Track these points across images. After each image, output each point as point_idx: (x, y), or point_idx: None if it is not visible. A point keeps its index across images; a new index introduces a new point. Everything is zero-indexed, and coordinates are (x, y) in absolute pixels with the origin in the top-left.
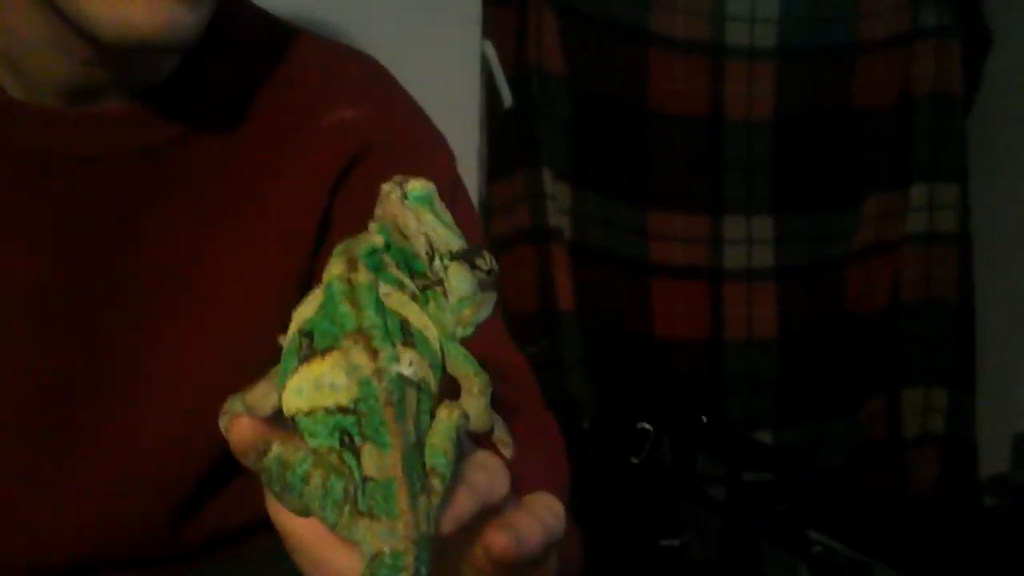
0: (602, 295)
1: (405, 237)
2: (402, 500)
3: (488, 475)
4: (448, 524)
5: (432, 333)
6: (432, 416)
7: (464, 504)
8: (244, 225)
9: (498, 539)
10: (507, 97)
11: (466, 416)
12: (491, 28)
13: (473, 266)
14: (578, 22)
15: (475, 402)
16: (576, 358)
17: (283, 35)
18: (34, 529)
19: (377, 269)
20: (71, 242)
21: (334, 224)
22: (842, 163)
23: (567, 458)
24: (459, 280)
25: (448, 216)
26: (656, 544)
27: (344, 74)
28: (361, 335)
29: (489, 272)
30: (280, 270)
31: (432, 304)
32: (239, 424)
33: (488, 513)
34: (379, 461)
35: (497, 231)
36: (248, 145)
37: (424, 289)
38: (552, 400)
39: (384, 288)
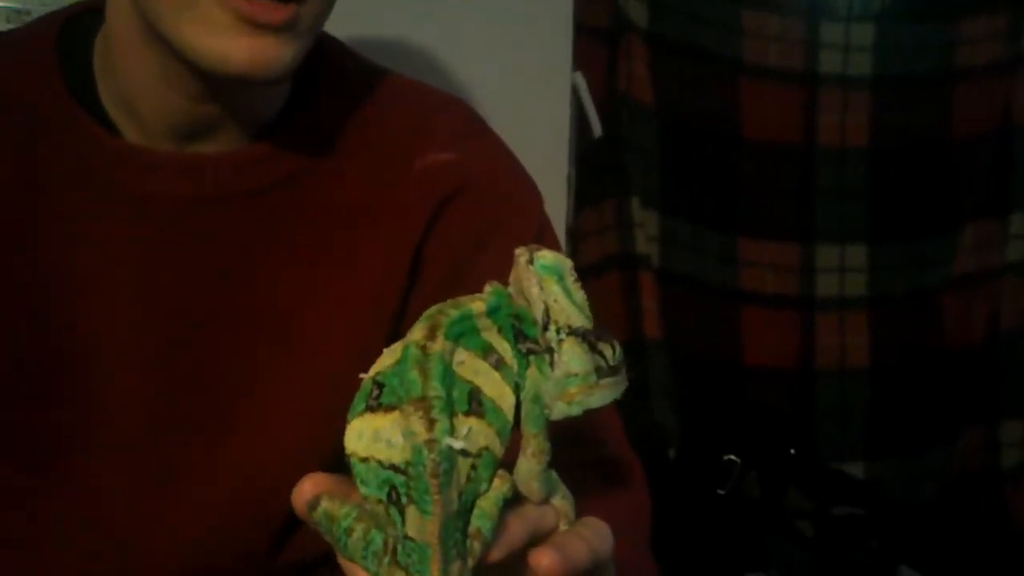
0: (690, 323)
1: (527, 302)
2: (434, 566)
3: (539, 510)
4: (498, 551)
5: (507, 402)
6: (490, 483)
7: (515, 531)
8: (340, 266)
9: (545, 557)
10: (596, 127)
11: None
12: (581, 58)
13: (594, 349)
14: (668, 51)
15: (525, 463)
16: (663, 387)
17: (381, 79)
18: (136, 554)
19: (462, 335)
20: (177, 280)
21: (424, 266)
22: (939, 191)
23: (649, 497)
24: (571, 356)
25: (580, 296)
26: None
27: (439, 119)
28: (422, 403)
29: (612, 361)
30: (373, 311)
31: (534, 369)
32: (301, 482)
33: (537, 541)
34: (420, 525)
35: (585, 258)
36: (346, 187)
37: (528, 354)
38: (638, 429)
39: (461, 355)
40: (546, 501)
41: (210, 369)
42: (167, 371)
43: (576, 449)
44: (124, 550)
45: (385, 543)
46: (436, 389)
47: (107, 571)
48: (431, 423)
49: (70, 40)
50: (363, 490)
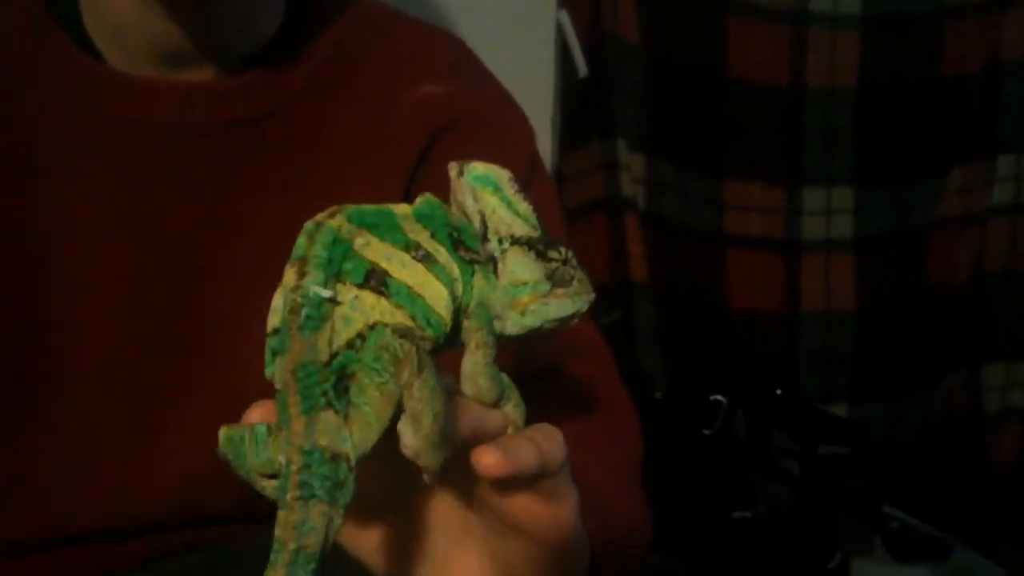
0: (676, 266)
1: (468, 218)
2: (292, 408)
3: (484, 409)
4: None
5: (436, 296)
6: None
7: (461, 421)
8: (330, 199)
9: (488, 456)
10: (582, 66)
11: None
12: None
13: (542, 256)
14: None
15: (469, 357)
16: (649, 329)
17: (372, 12)
18: (123, 484)
19: (375, 226)
20: (163, 208)
21: (414, 195)
22: (927, 133)
23: (640, 432)
24: (516, 264)
25: (524, 207)
26: (729, 516)
27: (430, 52)
28: (300, 262)
29: (565, 266)
30: None
31: (479, 277)
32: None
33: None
34: (280, 369)
35: (570, 201)
36: (337, 119)
37: (472, 263)
38: (624, 371)
39: (367, 239)
40: (496, 405)
41: (195, 300)
42: (150, 300)
43: (558, 380)
44: (110, 490)
45: (269, 427)
46: (316, 250)
47: (92, 513)
48: (301, 275)
49: None
50: (266, 372)
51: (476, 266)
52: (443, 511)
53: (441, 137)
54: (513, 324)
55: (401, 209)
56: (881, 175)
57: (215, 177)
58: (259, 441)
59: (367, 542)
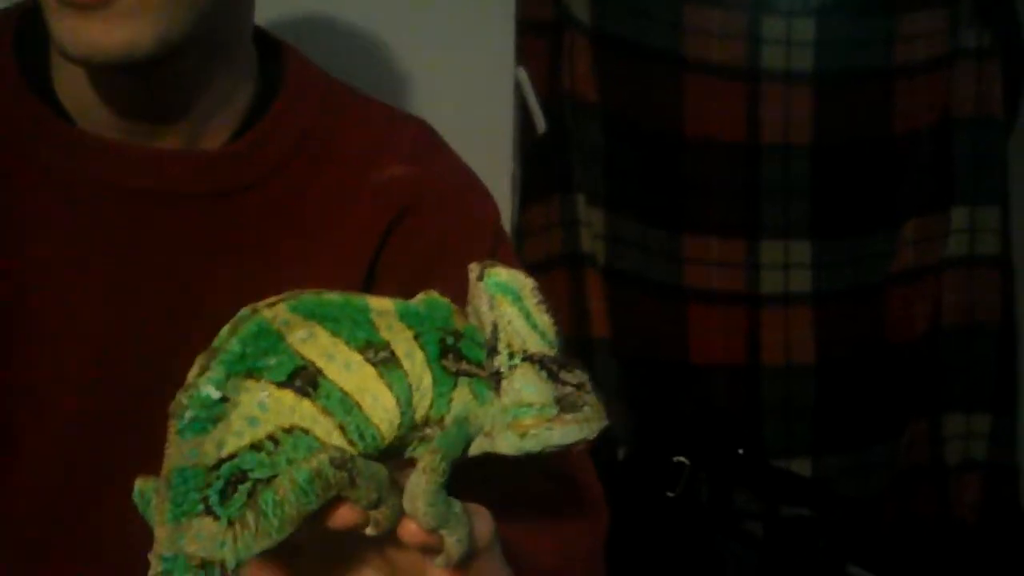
0: (637, 321)
1: (480, 323)
2: (158, 513)
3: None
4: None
5: (380, 411)
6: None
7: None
8: (297, 275)
9: (340, 510)
10: (540, 123)
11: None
12: (525, 54)
13: (555, 378)
14: (612, 48)
15: (413, 477)
16: (611, 386)
17: (340, 93)
18: (73, 553)
19: (332, 319)
20: (134, 274)
21: (378, 280)
22: (881, 187)
23: (605, 524)
24: (525, 383)
25: (544, 320)
26: None
27: (397, 135)
28: (210, 354)
29: (578, 387)
30: None
31: (464, 391)
32: None
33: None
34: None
35: (530, 256)
36: (302, 198)
37: (459, 374)
38: None
39: (310, 333)
40: (433, 531)
41: (156, 366)
42: (118, 366)
43: (533, 473)
44: (62, 557)
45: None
46: (231, 344)
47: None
48: (202, 371)
49: (30, 28)
50: None
51: (463, 379)
52: None
53: (404, 218)
54: (509, 445)
55: (380, 304)
56: (837, 228)
57: (185, 246)
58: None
59: None
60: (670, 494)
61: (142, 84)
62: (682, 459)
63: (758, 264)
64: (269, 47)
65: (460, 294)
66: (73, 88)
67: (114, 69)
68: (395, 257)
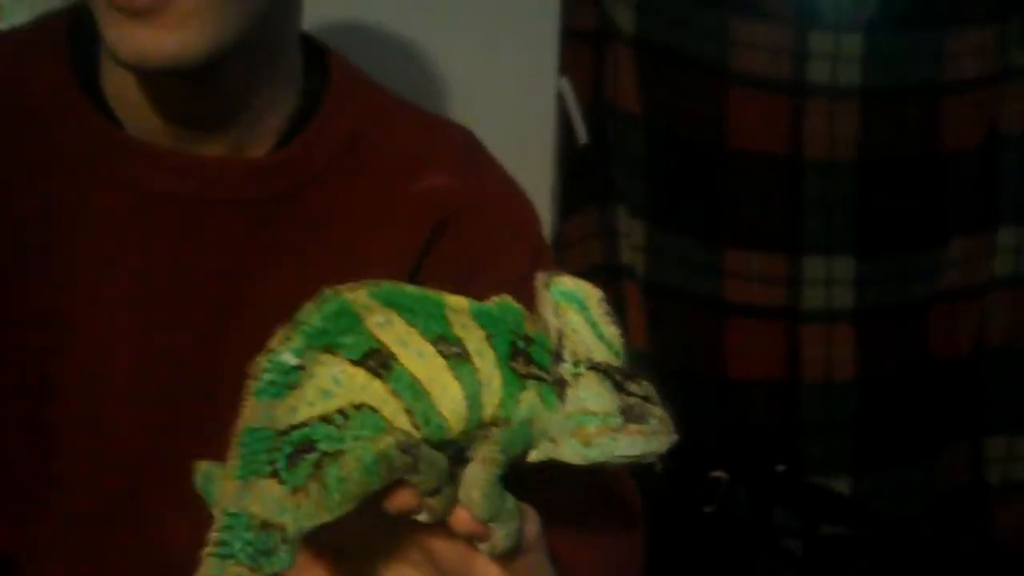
0: (675, 334)
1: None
2: (228, 468)
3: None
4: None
5: (446, 395)
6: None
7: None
8: (339, 281)
9: (399, 493)
10: (582, 134)
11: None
12: (568, 64)
13: (619, 387)
14: (655, 58)
15: (471, 467)
16: None
17: (385, 101)
18: (133, 547)
19: (410, 310)
20: (177, 279)
21: (421, 282)
22: (927, 204)
23: (642, 543)
24: (589, 392)
25: (611, 331)
26: None
27: (439, 143)
28: (291, 326)
29: (644, 399)
30: None
31: (531, 394)
32: None
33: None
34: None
35: (568, 268)
36: (345, 206)
37: (528, 377)
38: None
39: (388, 318)
40: (484, 521)
41: (200, 371)
42: (160, 372)
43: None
44: (120, 551)
45: None
46: (311, 317)
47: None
48: (283, 339)
49: (82, 29)
50: None
51: (531, 382)
52: None
53: (446, 227)
54: (573, 453)
55: (456, 302)
56: (882, 245)
57: (229, 253)
58: None
59: None
60: (707, 509)
61: (190, 90)
62: (720, 474)
63: (800, 279)
64: (314, 53)
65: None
66: (122, 91)
67: (164, 75)
68: (437, 265)
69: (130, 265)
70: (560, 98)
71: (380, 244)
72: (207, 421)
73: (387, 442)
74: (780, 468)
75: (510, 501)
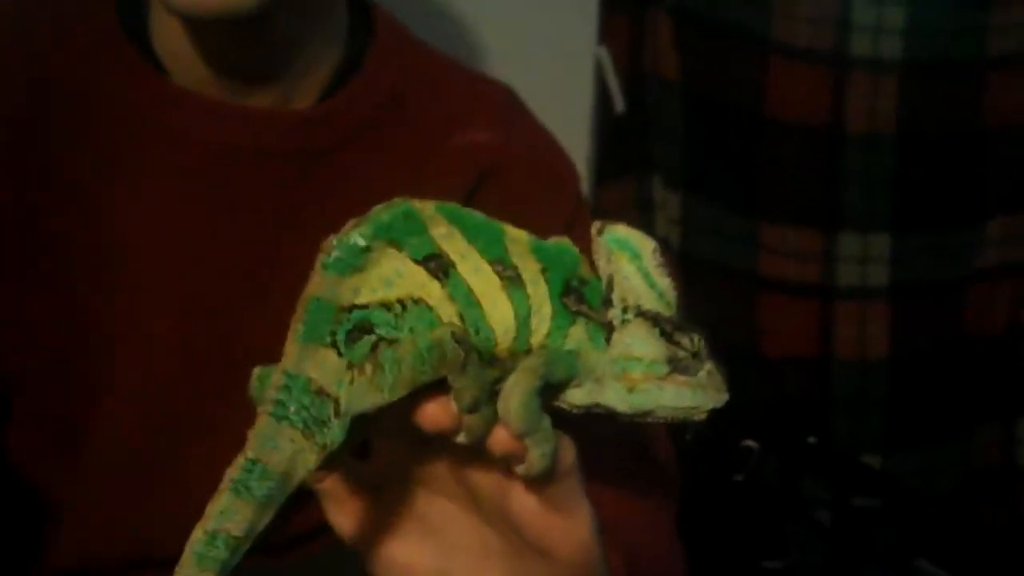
0: (708, 308)
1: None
2: (291, 333)
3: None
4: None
5: (499, 317)
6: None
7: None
8: None
9: (438, 403)
10: (619, 102)
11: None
12: (606, 33)
13: (668, 337)
14: (695, 27)
15: (512, 377)
16: None
17: (427, 57)
18: (149, 513)
19: (471, 229)
20: (219, 231)
21: None
22: (968, 182)
23: (678, 478)
24: (635, 338)
25: (665, 282)
26: (759, 565)
27: (480, 100)
28: (362, 219)
29: (693, 355)
30: None
31: (580, 329)
32: None
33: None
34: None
35: None
36: (388, 162)
37: (578, 315)
38: None
39: (449, 231)
40: (520, 437)
41: (238, 318)
42: (201, 323)
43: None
44: (136, 519)
45: None
46: (383, 214)
47: (120, 541)
48: (357, 225)
49: None
50: None
51: (581, 319)
52: (463, 532)
53: (486, 181)
54: (618, 398)
55: (516, 233)
56: (920, 223)
57: (271, 204)
58: None
59: (391, 567)
60: (737, 477)
61: (239, 40)
62: (750, 443)
63: (835, 256)
64: (361, 8)
65: None
66: (170, 41)
67: (217, 24)
68: None
69: (180, 214)
70: (598, 67)
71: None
72: (237, 378)
73: (443, 331)
74: (811, 440)
75: (547, 421)
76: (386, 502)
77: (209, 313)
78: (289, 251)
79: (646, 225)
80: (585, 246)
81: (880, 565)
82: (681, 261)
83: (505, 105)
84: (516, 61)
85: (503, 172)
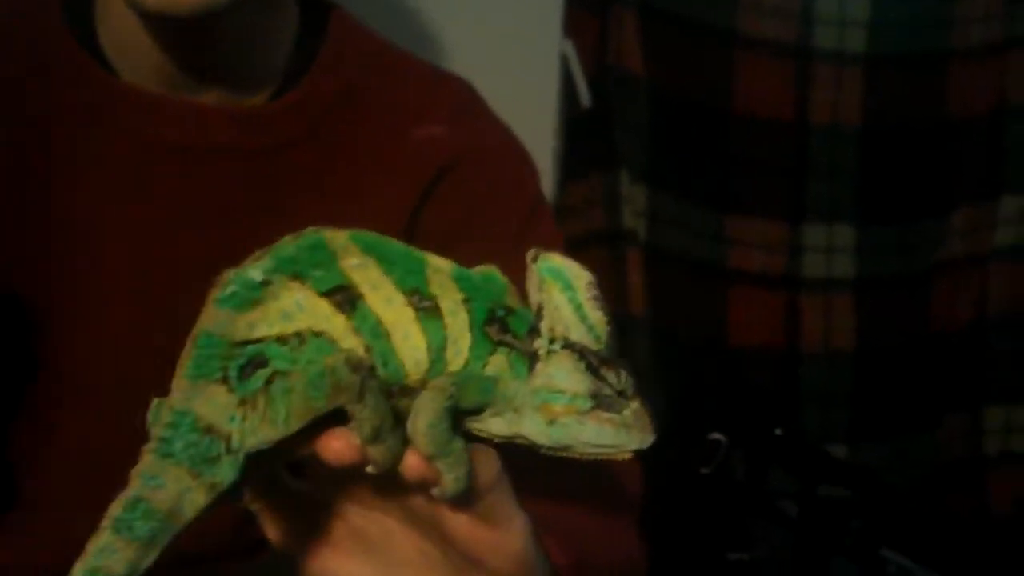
0: (676, 300)
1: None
2: (180, 368)
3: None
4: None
5: (410, 349)
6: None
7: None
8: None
9: (333, 439)
10: (585, 97)
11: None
12: (571, 28)
13: (593, 371)
14: (660, 22)
15: (421, 395)
16: (647, 364)
17: (384, 52)
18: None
19: (387, 260)
20: (172, 228)
21: (417, 233)
22: (931, 173)
23: (639, 470)
24: (559, 369)
25: (596, 316)
26: (725, 558)
27: (438, 94)
28: (266, 252)
29: (619, 393)
30: None
31: (501, 358)
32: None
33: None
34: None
35: (570, 232)
36: (345, 156)
37: (500, 344)
38: None
39: (361, 261)
40: (431, 460)
41: (194, 319)
42: (159, 319)
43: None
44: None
45: None
46: (287, 246)
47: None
48: (258, 258)
49: None
50: None
51: (503, 349)
52: (403, 546)
53: (444, 177)
54: (536, 429)
55: (438, 262)
56: (884, 214)
57: (224, 202)
58: None
59: None
60: (704, 470)
61: (191, 37)
62: (718, 436)
63: (800, 247)
64: (316, 7)
65: (496, 252)
66: (117, 38)
67: (185, 23)
68: (433, 216)
69: (129, 212)
70: (564, 62)
71: (378, 194)
72: None
73: (336, 358)
74: (778, 432)
75: (459, 443)
76: (325, 517)
77: (164, 309)
78: (244, 247)
79: (613, 219)
80: (543, 242)
81: (848, 556)
82: (648, 255)
83: (463, 100)
84: (481, 56)
85: (462, 167)
